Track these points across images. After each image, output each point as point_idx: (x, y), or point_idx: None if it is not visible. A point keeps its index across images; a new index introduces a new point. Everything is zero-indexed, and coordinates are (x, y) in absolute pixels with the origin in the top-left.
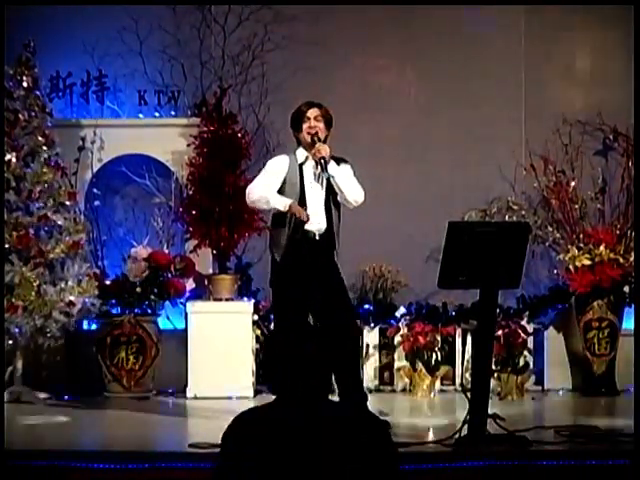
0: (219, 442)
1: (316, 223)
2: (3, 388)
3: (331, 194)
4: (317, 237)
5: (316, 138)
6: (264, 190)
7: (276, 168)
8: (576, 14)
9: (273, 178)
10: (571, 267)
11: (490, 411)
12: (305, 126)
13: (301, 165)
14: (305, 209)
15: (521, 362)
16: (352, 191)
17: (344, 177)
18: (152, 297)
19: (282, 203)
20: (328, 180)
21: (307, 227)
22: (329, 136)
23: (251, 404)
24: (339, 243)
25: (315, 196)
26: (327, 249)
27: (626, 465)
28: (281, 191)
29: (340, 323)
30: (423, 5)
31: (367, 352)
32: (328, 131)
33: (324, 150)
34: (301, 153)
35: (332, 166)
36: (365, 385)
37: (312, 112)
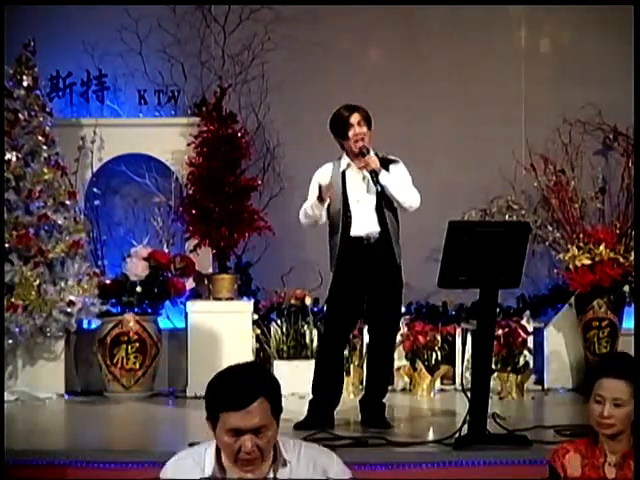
0: None
1: (365, 228)
2: (3, 388)
3: (384, 198)
4: (369, 242)
5: (365, 150)
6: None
7: (319, 180)
8: (576, 14)
9: (313, 192)
10: (571, 267)
11: (490, 411)
12: (351, 134)
13: (344, 172)
14: (350, 217)
15: (521, 362)
16: (406, 198)
17: (396, 185)
18: (152, 296)
19: (311, 200)
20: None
21: (356, 233)
22: (372, 137)
23: None
24: (400, 246)
25: (362, 202)
26: (384, 253)
27: None
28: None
29: (388, 321)
30: (423, 5)
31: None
32: (371, 131)
33: (374, 163)
34: (344, 160)
35: (383, 175)
36: None
37: (355, 118)
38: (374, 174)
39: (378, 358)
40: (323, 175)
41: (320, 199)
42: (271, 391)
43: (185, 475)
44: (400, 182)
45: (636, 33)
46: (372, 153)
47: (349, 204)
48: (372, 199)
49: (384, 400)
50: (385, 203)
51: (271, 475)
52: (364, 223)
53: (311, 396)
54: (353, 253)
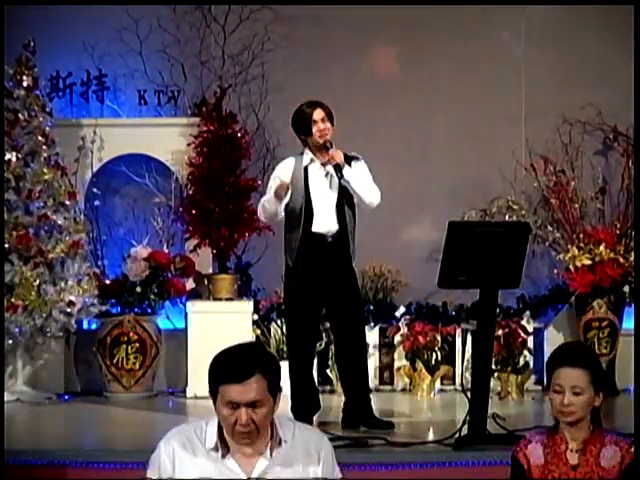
0: None
1: (326, 225)
2: (3, 388)
3: (345, 195)
4: (329, 239)
5: (328, 144)
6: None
7: (279, 177)
8: (576, 14)
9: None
10: (571, 267)
11: (490, 411)
12: (314, 130)
13: (306, 167)
14: (312, 213)
15: (521, 362)
16: (368, 193)
17: (359, 180)
18: (152, 297)
19: (269, 194)
20: (340, 182)
21: (316, 229)
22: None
23: None
24: (355, 244)
25: (324, 198)
26: (341, 251)
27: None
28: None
29: (348, 325)
30: (423, 5)
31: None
32: (333, 126)
33: (338, 157)
34: (307, 155)
35: (347, 170)
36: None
37: (318, 114)
38: (338, 168)
39: (354, 359)
40: (285, 169)
41: (277, 196)
42: (269, 369)
43: (185, 445)
44: (362, 178)
45: (636, 33)
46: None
47: (311, 200)
48: (334, 196)
49: (371, 404)
50: (346, 200)
51: (268, 452)
52: (325, 220)
53: (290, 402)
54: (313, 249)
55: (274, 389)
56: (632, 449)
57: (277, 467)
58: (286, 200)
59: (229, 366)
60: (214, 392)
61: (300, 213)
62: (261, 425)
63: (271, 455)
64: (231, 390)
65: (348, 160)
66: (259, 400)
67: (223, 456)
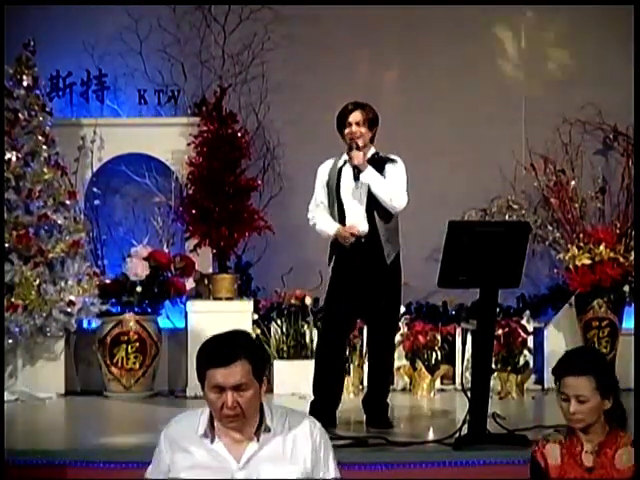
0: None
1: (356, 225)
2: (3, 388)
3: (373, 199)
4: (360, 239)
5: (354, 144)
6: (316, 217)
7: (319, 179)
8: (576, 14)
9: (318, 193)
10: (571, 266)
11: (490, 410)
12: (346, 131)
13: (341, 168)
14: (344, 213)
15: (521, 361)
16: (387, 197)
17: (380, 183)
18: (152, 296)
19: (329, 231)
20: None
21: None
22: (375, 135)
23: None
24: (393, 243)
25: (354, 199)
26: (373, 252)
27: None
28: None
29: (377, 327)
30: (423, 5)
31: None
32: (372, 131)
33: (357, 159)
34: (344, 155)
35: (368, 172)
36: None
37: (354, 117)
38: (356, 170)
39: (377, 358)
40: (322, 172)
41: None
42: (253, 353)
43: (181, 434)
44: (386, 181)
45: (636, 33)
46: (371, 152)
47: (342, 202)
48: (364, 197)
49: (388, 400)
50: (375, 202)
51: (255, 439)
52: (355, 220)
53: (312, 397)
54: (346, 250)
55: (260, 373)
56: None
57: (265, 453)
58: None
59: (215, 351)
60: (202, 378)
61: (333, 213)
62: (247, 408)
63: (258, 440)
64: (216, 374)
65: (384, 162)
66: (244, 383)
67: (212, 441)
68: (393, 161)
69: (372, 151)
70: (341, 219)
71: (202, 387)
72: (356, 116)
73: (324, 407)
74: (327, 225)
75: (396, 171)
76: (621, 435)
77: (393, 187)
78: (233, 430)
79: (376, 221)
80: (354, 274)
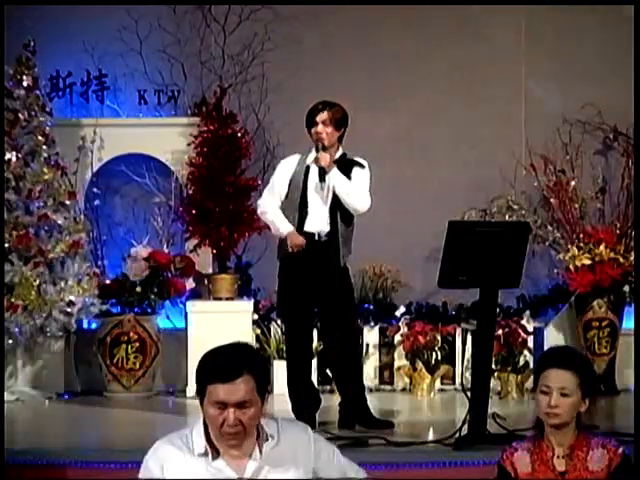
0: None
1: (316, 225)
2: (3, 388)
3: (338, 201)
4: (319, 238)
5: (320, 145)
6: (268, 206)
7: (281, 172)
8: (576, 13)
9: (278, 186)
10: (571, 266)
11: (490, 410)
12: (312, 131)
13: (308, 166)
14: (306, 212)
15: (521, 361)
16: (350, 200)
17: (345, 185)
18: (152, 296)
19: (282, 228)
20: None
21: (308, 228)
22: (344, 135)
23: None
24: (348, 246)
25: (318, 198)
26: (330, 251)
27: (625, 464)
28: (287, 192)
29: (340, 324)
30: (423, 5)
31: (367, 351)
32: (340, 131)
33: (323, 160)
34: (312, 154)
35: (333, 174)
36: (365, 384)
37: (320, 116)
38: (322, 171)
39: (339, 361)
40: (287, 166)
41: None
42: (257, 369)
43: (173, 455)
44: (351, 184)
45: (636, 33)
46: (339, 152)
47: (307, 200)
48: (328, 197)
49: (367, 402)
50: (339, 204)
51: (257, 450)
52: (317, 220)
53: (290, 404)
54: (304, 249)
55: (262, 390)
56: (619, 450)
57: (268, 467)
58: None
59: (217, 366)
60: (202, 392)
61: (294, 212)
62: (249, 426)
63: (260, 455)
64: (219, 390)
65: (350, 165)
66: (247, 400)
67: (213, 459)
68: (360, 165)
69: (340, 152)
70: (301, 217)
71: (201, 401)
72: (323, 116)
73: (305, 409)
74: (281, 222)
75: (362, 174)
76: (591, 437)
77: (357, 190)
78: (231, 447)
79: (338, 223)
80: (308, 273)
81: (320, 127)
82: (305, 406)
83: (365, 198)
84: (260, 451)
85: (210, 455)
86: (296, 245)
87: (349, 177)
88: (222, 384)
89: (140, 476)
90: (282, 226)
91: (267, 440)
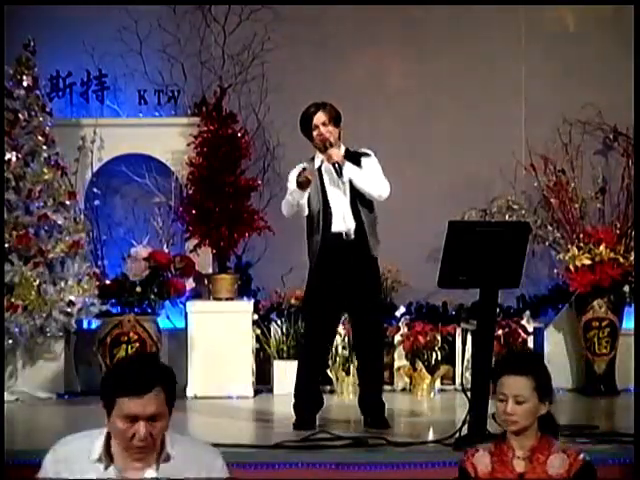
0: (219, 442)
1: (342, 223)
2: (3, 388)
3: (357, 192)
4: (347, 237)
5: (327, 144)
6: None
7: (292, 178)
8: (576, 14)
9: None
10: (571, 267)
11: (490, 410)
12: (315, 134)
13: (320, 168)
14: (330, 213)
15: None
16: (372, 188)
17: (362, 176)
18: (152, 296)
19: (293, 185)
20: (350, 180)
21: (335, 229)
22: (341, 131)
23: (251, 403)
24: (375, 235)
25: (338, 197)
26: (360, 247)
27: (626, 464)
28: (308, 197)
29: (366, 322)
30: (423, 5)
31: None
32: (339, 127)
33: (336, 155)
34: (318, 158)
35: (348, 167)
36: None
37: (318, 118)
38: (337, 166)
39: (366, 357)
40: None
41: (299, 185)
42: (168, 381)
43: (72, 455)
44: (367, 173)
45: (636, 33)
46: (342, 148)
47: (328, 200)
48: (347, 194)
49: (383, 399)
50: (359, 197)
51: (154, 465)
52: (342, 217)
53: (293, 400)
54: (333, 250)
55: (172, 401)
56: (580, 457)
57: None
58: (308, 190)
59: (129, 378)
60: (110, 404)
61: (319, 215)
62: (157, 438)
63: (157, 469)
64: (130, 403)
65: (357, 157)
66: (159, 413)
67: (106, 467)
68: (366, 154)
69: (343, 148)
70: (326, 218)
71: (108, 414)
72: (320, 117)
73: (306, 409)
74: (291, 187)
75: (372, 162)
76: (553, 441)
77: (375, 177)
78: (135, 460)
79: (361, 215)
80: (340, 274)
81: (322, 128)
82: (307, 406)
83: (384, 183)
84: (157, 466)
85: (104, 463)
86: (307, 174)
87: (360, 168)
88: (134, 398)
89: (39, 475)
90: (292, 185)
91: (167, 460)
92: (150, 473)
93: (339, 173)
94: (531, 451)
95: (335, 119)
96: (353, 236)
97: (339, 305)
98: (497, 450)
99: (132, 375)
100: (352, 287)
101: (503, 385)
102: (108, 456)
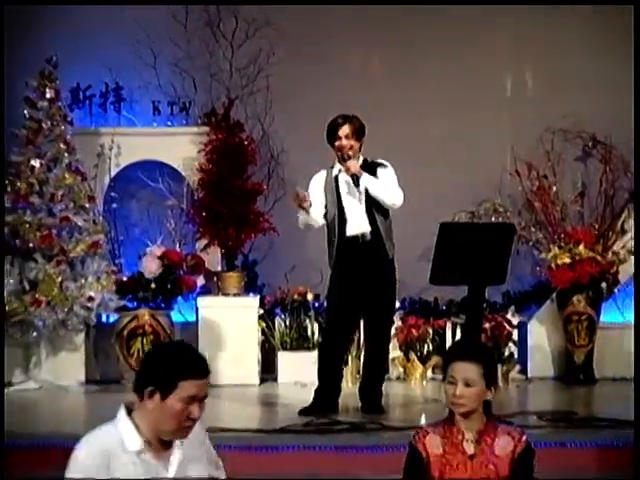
0: (228, 426)
1: (357, 227)
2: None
3: (373, 201)
4: (363, 239)
5: (346, 156)
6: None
7: (313, 188)
8: (560, 28)
9: (315, 195)
10: (553, 265)
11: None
12: (336, 144)
13: (337, 176)
14: (345, 218)
15: (506, 352)
16: (386, 197)
17: (377, 185)
18: (165, 292)
19: (300, 216)
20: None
21: (350, 233)
22: (363, 144)
23: (257, 391)
24: (391, 239)
25: (353, 203)
26: (376, 249)
27: (603, 447)
28: (325, 206)
29: (378, 321)
30: (423, 4)
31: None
32: (360, 141)
33: (353, 167)
34: (336, 166)
35: (365, 178)
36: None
37: (343, 131)
38: (354, 177)
39: (373, 351)
40: (317, 181)
41: (300, 207)
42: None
43: (112, 447)
44: (382, 183)
45: (636, 33)
46: (361, 159)
47: (344, 206)
48: (362, 200)
49: (382, 389)
50: (374, 203)
51: (176, 448)
52: (358, 223)
53: (316, 384)
54: (350, 252)
55: None
56: (523, 438)
57: (186, 458)
58: (315, 210)
59: (194, 362)
60: (169, 387)
61: (334, 221)
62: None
63: (179, 449)
64: (194, 385)
65: (374, 167)
66: (206, 395)
67: (143, 453)
68: (383, 165)
69: (361, 159)
70: (341, 224)
71: (162, 395)
72: (344, 130)
73: (327, 395)
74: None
75: (388, 173)
76: (497, 424)
77: (390, 187)
78: (182, 436)
79: (377, 220)
80: (358, 271)
81: (344, 141)
82: (329, 391)
83: (398, 192)
84: (178, 446)
85: (142, 449)
86: (298, 197)
87: (376, 178)
88: (198, 380)
89: (72, 475)
90: (301, 214)
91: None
92: (177, 453)
93: (356, 183)
94: (479, 434)
95: (358, 132)
96: (369, 237)
97: (358, 302)
98: (447, 432)
99: (197, 359)
100: (369, 286)
101: (454, 370)
102: (147, 443)
